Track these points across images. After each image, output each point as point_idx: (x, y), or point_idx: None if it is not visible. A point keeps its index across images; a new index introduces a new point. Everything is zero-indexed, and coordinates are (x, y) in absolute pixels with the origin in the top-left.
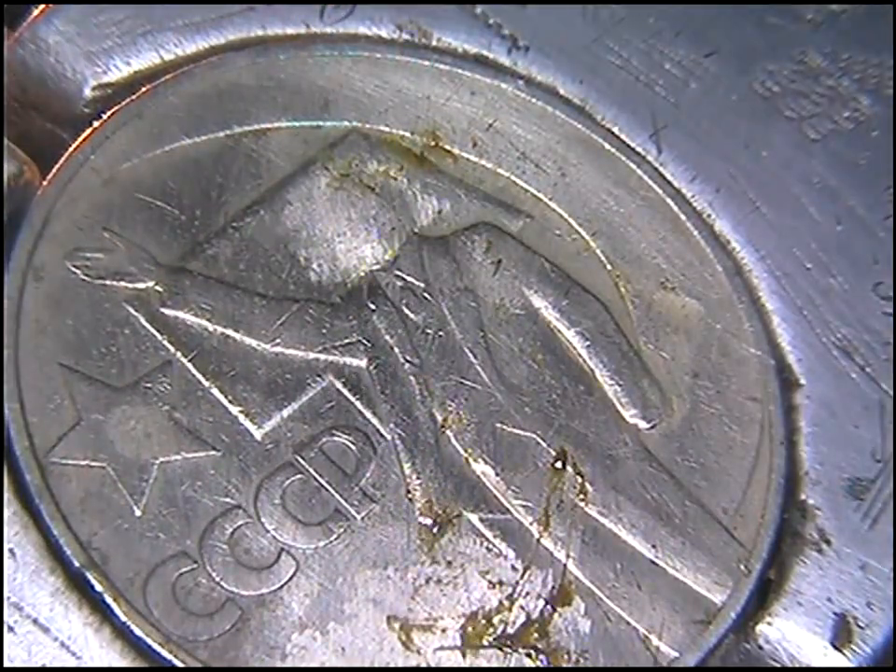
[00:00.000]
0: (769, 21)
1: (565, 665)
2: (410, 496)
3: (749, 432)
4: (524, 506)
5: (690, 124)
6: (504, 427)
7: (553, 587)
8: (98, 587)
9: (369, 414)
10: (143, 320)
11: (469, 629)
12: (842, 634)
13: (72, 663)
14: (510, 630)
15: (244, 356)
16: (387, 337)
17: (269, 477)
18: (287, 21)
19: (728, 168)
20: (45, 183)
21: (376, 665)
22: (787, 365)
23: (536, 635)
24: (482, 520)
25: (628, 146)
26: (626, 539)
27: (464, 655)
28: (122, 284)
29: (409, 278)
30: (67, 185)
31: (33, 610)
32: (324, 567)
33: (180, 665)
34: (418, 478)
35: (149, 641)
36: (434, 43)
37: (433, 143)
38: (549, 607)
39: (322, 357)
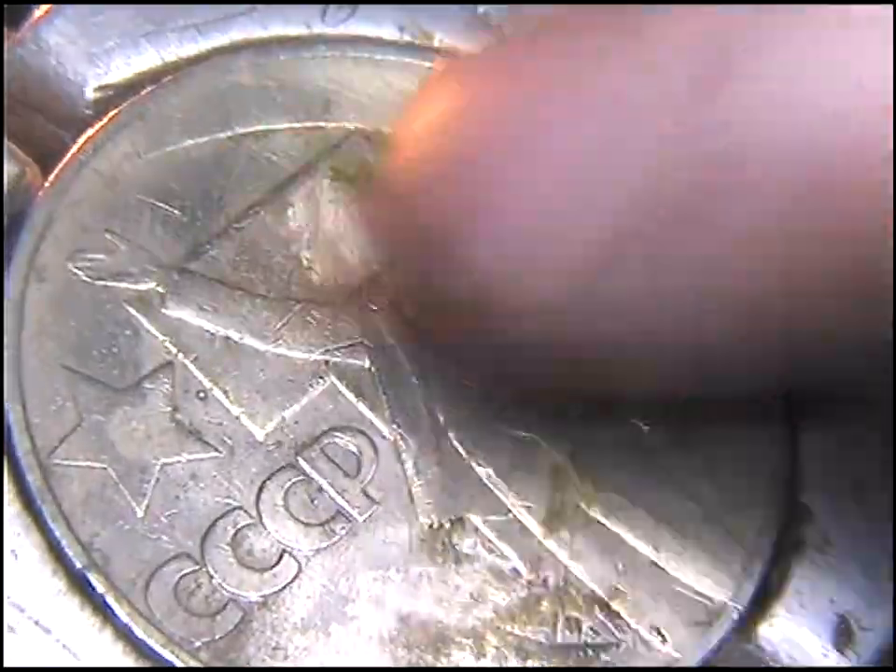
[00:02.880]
0: None
1: (565, 665)
2: (412, 497)
3: (749, 432)
4: (525, 507)
5: None
6: (506, 427)
7: (555, 588)
8: (100, 588)
9: (371, 415)
10: (144, 321)
11: (472, 630)
12: (843, 635)
13: (73, 664)
14: (512, 630)
15: (245, 357)
16: (389, 338)
17: (271, 478)
18: (289, 21)
19: None
20: (46, 184)
21: (378, 666)
22: None
23: (538, 636)
24: (484, 521)
25: None
26: (627, 539)
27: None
28: (124, 285)
29: None
30: (69, 186)
31: (34, 612)
32: (326, 569)
33: (182, 665)
34: (420, 479)
35: (151, 642)
36: (436, 44)
37: None
38: (551, 608)
39: (324, 357)
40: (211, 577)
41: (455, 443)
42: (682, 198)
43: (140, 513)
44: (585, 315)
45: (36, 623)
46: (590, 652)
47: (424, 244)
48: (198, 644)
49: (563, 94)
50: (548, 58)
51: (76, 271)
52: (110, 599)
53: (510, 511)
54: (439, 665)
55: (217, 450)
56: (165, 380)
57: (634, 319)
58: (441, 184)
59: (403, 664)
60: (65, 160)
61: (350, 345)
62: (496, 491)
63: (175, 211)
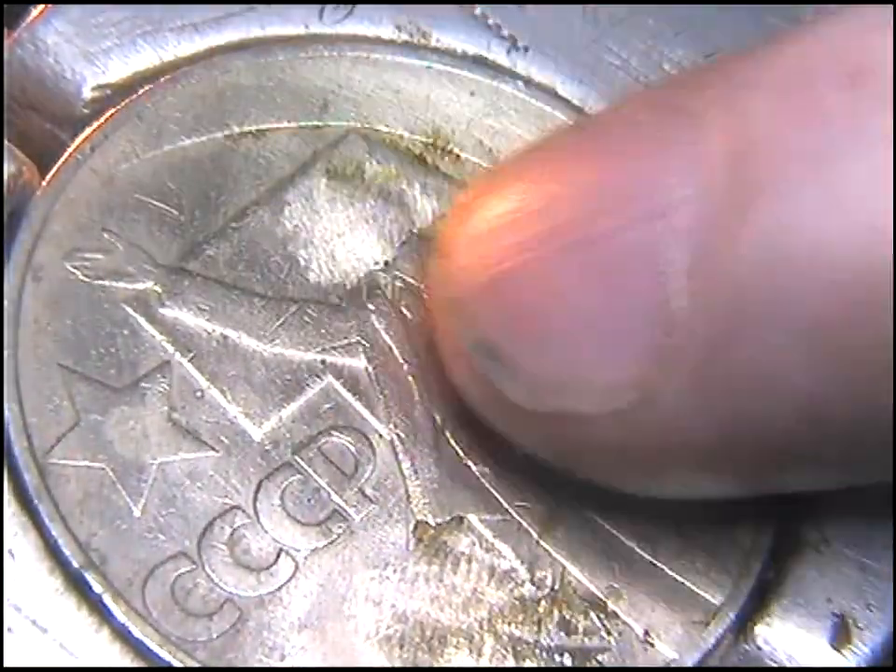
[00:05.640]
0: (769, 22)
1: (564, 665)
2: (409, 496)
3: None
4: (523, 506)
5: None
6: None
7: (553, 588)
8: (97, 588)
9: (368, 415)
10: (142, 321)
11: (469, 629)
12: (841, 634)
13: (71, 663)
14: (509, 630)
15: (243, 356)
16: (386, 337)
17: (268, 477)
18: (287, 21)
19: None
20: (44, 183)
21: (376, 666)
22: None
23: (535, 635)
24: (481, 520)
25: None
26: (625, 539)
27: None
28: (121, 284)
29: (408, 278)
30: (66, 185)
31: (31, 611)
32: (323, 568)
33: (179, 665)
34: (417, 478)
35: (148, 642)
36: (433, 43)
37: (433, 143)
38: (548, 607)
39: (321, 357)
40: (208, 576)
41: (453, 443)
42: (719, 320)
43: (137, 513)
44: (634, 424)
45: (34, 622)
46: (587, 653)
47: (478, 349)
48: (195, 643)
49: (611, 203)
50: (592, 162)
51: (73, 270)
52: (107, 599)
53: (507, 510)
54: (435, 664)
55: (214, 449)
56: (163, 379)
57: (682, 430)
58: (490, 293)
59: (399, 663)
60: (63, 159)
61: (347, 345)
62: (493, 490)
63: (173, 210)
